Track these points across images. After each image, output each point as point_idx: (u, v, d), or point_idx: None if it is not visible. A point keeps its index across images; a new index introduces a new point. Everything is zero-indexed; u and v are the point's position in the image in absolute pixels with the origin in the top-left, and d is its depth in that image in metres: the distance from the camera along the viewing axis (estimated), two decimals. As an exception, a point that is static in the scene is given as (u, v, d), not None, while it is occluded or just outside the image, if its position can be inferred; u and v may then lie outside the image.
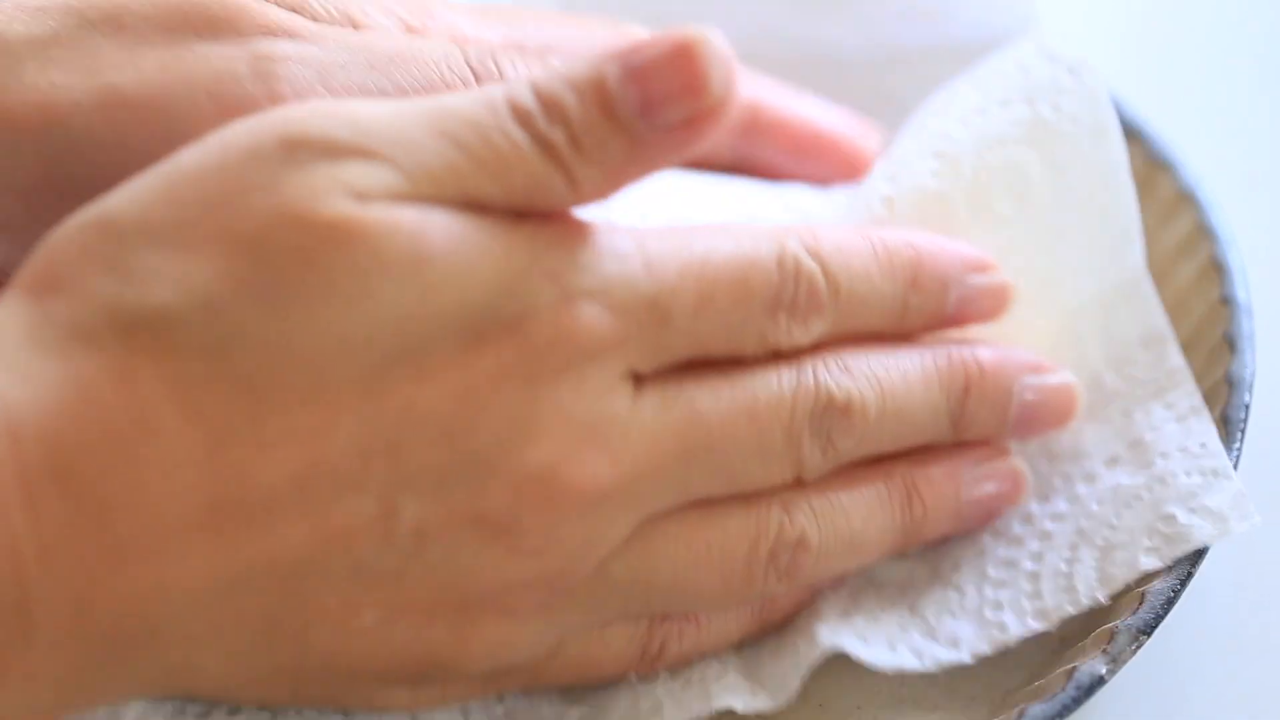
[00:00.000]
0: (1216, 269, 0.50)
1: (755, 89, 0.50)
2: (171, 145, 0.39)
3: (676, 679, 0.44)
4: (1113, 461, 0.47)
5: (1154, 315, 0.49)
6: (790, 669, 0.44)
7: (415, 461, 0.37)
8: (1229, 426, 0.46)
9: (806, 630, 0.44)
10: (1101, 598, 0.44)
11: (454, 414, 0.37)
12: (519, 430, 0.37)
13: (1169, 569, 0.43)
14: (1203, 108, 0.63)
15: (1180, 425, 0.47)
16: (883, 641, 0.44)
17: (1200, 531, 0.44)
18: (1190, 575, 0.43)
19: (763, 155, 0.51)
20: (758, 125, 0.50)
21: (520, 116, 0.38)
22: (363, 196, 0.37)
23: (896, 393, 0.43)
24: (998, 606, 0.44)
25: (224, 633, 0.37)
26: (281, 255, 0.36)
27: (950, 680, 0.44)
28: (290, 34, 0.42)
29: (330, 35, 0.43)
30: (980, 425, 0.45)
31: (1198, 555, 0.43)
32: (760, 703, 0.43)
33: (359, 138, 0.37)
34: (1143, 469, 0.46)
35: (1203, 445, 0.46)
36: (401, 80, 0.43)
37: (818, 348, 0.42)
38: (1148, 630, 0.42)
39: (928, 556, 0.46)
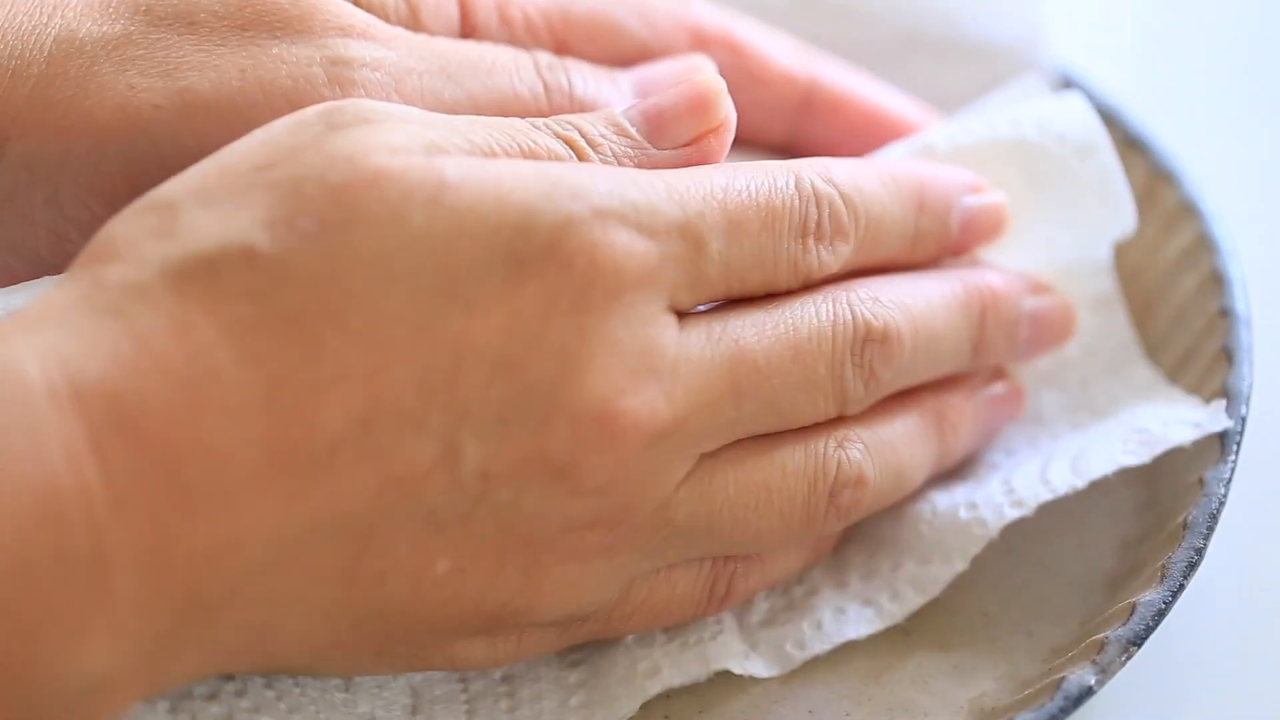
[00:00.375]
0: (1217, 280, 0.50)
1: (813, 67, 0.50)
2: None
3: (674, 640, 0.44)
4: (1076, 426, 0.48)
5: (1104, 277, 0.50)
6: (793, 647, 0.45)
7: (473, 398, 0.37)
8: (1225, 440, 0.46)
9: (809, 611, 0.45)
10: (1079, 483, 0.45)
11: (506, 346, 0.37)
12: (572, 362, 0.38)
13: (1160, 581, 0.43)
14: (1206, 119, 0.63)
15: (1143, 394, 0.48)
16: (885, 596, 0.45)
17: (1176, 433, 0.45)
18: (1182, 587, 0.43)
19: (818, 134, 0.50)
20: (813, 103, 0.50)
21: (545, 123, 0.41)
22: (395, 150, 0.38)
23: (925, 319, 0.44)
24: (972, 506, 0.45)
25: (302, 588, 0.37)
26: (319, 199, 0.37)
27: (940, 687, 0.45)
28: (362, 34, 0.43)
29: (402, 38, 0.44)
30: (996, 349, 0.46)
31: (1190, 568, 0.43)
32: (755, 667, 0.44)
33: (396, 110, 0.39)
34: (1110, 419, 0.47)
35: (1168, 398, 0.47)
36: (474, 89, 0.44)
37: (845, 277, 0.43)
38: (1138, 641, 0.42)
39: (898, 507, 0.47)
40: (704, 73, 0.44)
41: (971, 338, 0.45)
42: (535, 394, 0.38)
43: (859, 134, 0.50)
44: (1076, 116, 0.48)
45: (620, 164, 0.41)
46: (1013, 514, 0.45)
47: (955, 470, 0.47)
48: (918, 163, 0.46)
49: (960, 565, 0.45)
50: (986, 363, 0.46)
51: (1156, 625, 0.42)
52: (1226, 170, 0.58)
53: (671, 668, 0.44)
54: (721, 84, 0.43)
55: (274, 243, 0.36)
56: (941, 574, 0.45)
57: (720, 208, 0.40)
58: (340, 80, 0.42)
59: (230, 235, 0.37)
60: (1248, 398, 0.47)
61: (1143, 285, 0.52)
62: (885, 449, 0.44)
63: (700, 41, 0.47)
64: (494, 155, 0.39)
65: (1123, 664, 0.42)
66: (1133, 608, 0.43)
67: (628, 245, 0.38)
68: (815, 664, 0.45)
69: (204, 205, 0.37)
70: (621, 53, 0.45)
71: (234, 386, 0.36)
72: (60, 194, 0.42)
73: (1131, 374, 0.49)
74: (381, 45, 0.43)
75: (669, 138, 0.42)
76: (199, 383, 0.35)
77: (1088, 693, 0.41)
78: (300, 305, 0.36)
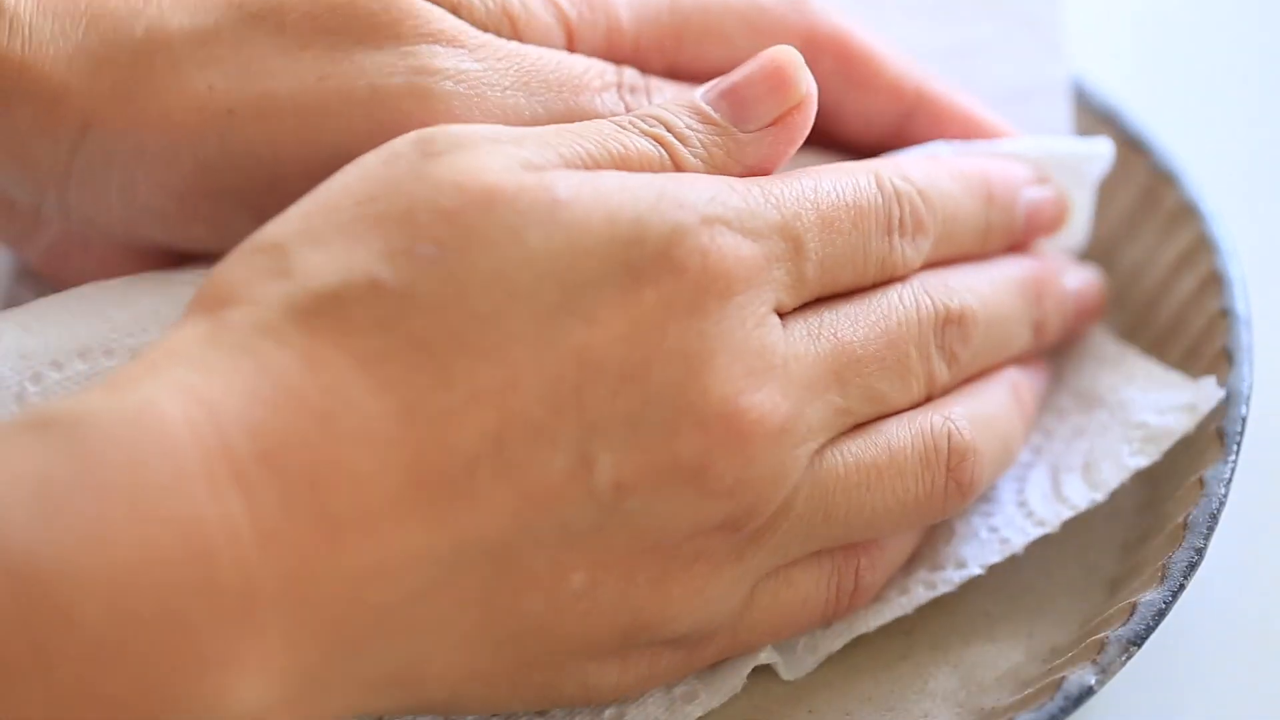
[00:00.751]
0: (1217, 281, 0.50)
1: (920, 78, 0.49)
2: (323, 157, 0.42)
3: None
4: (1060, 412, 0.48)
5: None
6: (805, 650, 0.45)
7: (601, 408, 0.37)
8: (1225, 440, 0.46)
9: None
10: (1099, 496, 0.45)
11: (628, 355, 0.38)
12: (693, 365, 0.38)
13: (1160, 581, 0.43)
14: (1206, 119, 0.63)
15: (1117, 367, 0.49)
16: (894, 590, 0.45)
17: (1177, 424, 0.46)
18: (1182, 587, 0.43)
19: (926, 137, 0.50)
20: (917, 115, 0.50)
21: (630, 122, 0.42)
22: (500, 171, 0.38)
23: (993, 301, 0.45)
24: (993, 530, 0.46)
25: (445, 615, 0.37)
26: (434, 225, 0.37)
27: (940, 687, 0.45)
28: (452, 41, 0.43)
29: (491, 47, 0.44)
30: (1052, 327, 0.48)
31: (1190, 568, 0.43)
32: (776, 659, 0.45)
33: (485, 131, 0.40)
34: (1098, 406, 0.48)
35: (1146, 373, 0.48)
36: (555, 106, 0.44)
37: (919, 269, 0.44)
38: (1138, 641, 0.42)
39: None
40: (779, 49, 0.43)
41: (1032, 317, 0.47)
42: (661, 400, 0.38)
43: (969, 139, 0.50)
44: (1084, 149, 0.49)
45: (710, 153, 0.42)
46: (1037, 532, 0.45)
47: None
48: (984, 158, 0.47)
49: (976, 569, 0.46)
50: (1045, 342, 0.48)
51: (1157, 625, 0.42)
52: (1226, 171, 0.58)
53: (708, 691, 0.44)
54: (797, 57, 0.43)
55: (396, 272, 0.37)
56: (955, 576, 0.46)
57: (814, 209, 0.41)
58: (419, 92, 0.42)
59: (353, 269, 0.37)
60: (1248, 398, 0.47)
61: (1143, 285, 0.52)
62: (988, 418, 0.45)
63: (812, 46, 0.47)
64: (591, 166, 0.40)
65: (1123, 664, 0.42)
66: (1133, 608, 0.43)
67: (735, 248, 0.39)
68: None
69: (315, 244, 0.38)
70: (733, 63, 0.45)
71: (370, 415, 0.36)
72: (135, 184, 0.43)
73: (1093, 345, 0.50)
74: (468, 55, 0.43)
75: (753, 118, 0.42)
76: (335, 414, 0.36)
77: (1088, 693, 0.41)
78: (427, 331, 0.37)
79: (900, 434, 0.43)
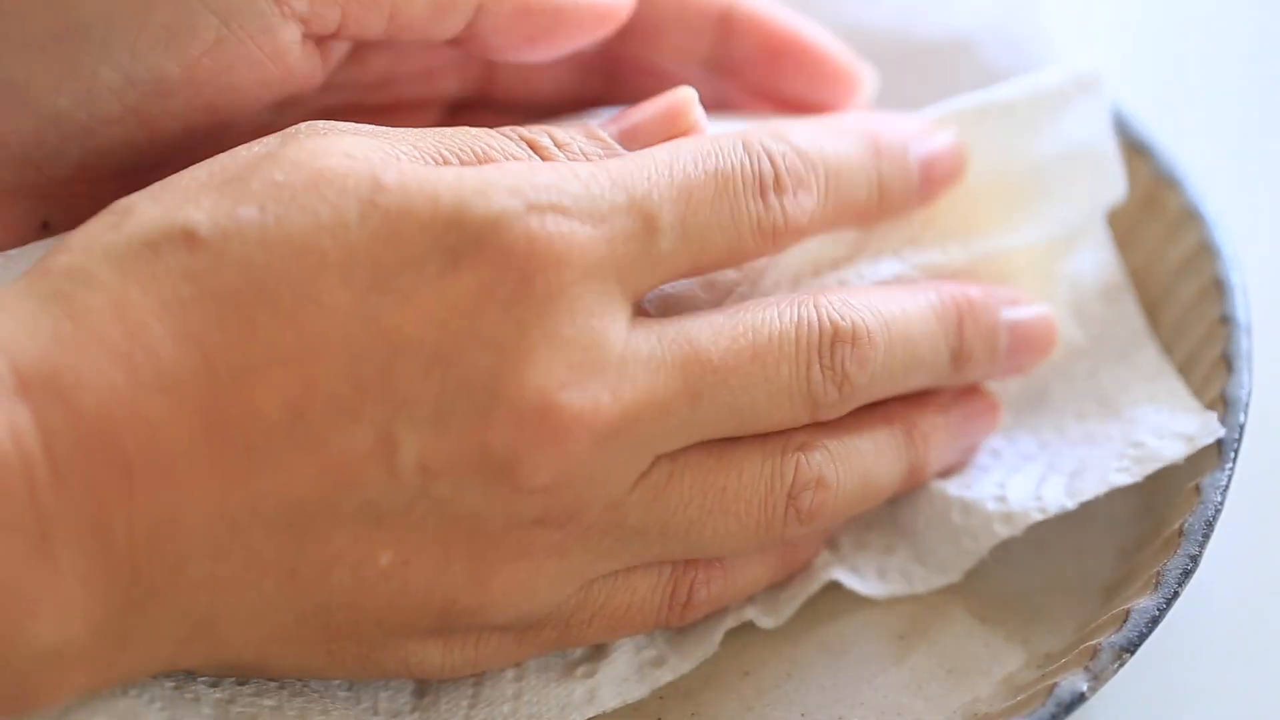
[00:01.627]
0: (1218, 287, 0.50)
1: None
2: None
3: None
4: (1081, 416, 0.48)
5: (1112, 266, 0.50)
6: (785, 600, 0.45)
7: (409, 389, 0.37)
8: (1222, 447, 0.46)
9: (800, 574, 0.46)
10: (1070, 504, 0.45)
11: (442, 339, 0.37)
12: (510, 355, 0.38)
13: (1155, 588, 0.43)
14: (1208, 125, 0.63)
15: (1147, 384, 0.48)
16: (873, 571, 0.46)
17: (1170, 450, 0.45)
18: (1177, 595, 0.43)
19: (736, 57, 0.50)
20: (731, 23, 0.50)
21: (512, 130, 0.42)
22: (344, 155, 0.39)
23: (899, 322, 0.44)
24: (965, 510, 0.46)
25: (243, 575, 0.37)
26: (262, 191, 0.38)
27: (933, 692, 0.45)
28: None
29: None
30: (977, 360, 0.46)
31: (1185, 575, 0.43)
32: (753, 614, 0.45)
33: (348, 126, 0.40)
34: (1112, 418, 0.47)
35: (1170, 392, 0.47)
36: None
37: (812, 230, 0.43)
38: (1131, 648, 0.42)
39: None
40: (680, 91, 0.44)
41: (950, 345, 0.45)
42: (473, 387, 0.38)
43: (781, 58, 0.50)
44: (1074, 81, 0.48)
45: (586, 157, 0.42)
46: (1003, 531, 0.45)
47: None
48: (866, 113, 0.46)
49: (954, 577, 0.46)
50: (968, 375, 0.46)
51: (1150, 632, 0.42)
52: (1228, 176, 0.57)
53: (677, 655, 0.44)
54: (693, 94, 0.44)
55: (213, 227, 0.37)
56: (933, 580, 0.46)
57: (668, 182, 0.41)
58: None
59: (173, 219, 0.37)
60: (1246, 405, 0.47)
61: (1144, 291, 0.52)
62: (850, 454, 0.43)
63: None
64: (444, 162, 0.40)
65: (1115, 671, 0.42)
66: (1127, 614, 0.43)
67: (568, 234, 0.39)
68: (809, 666, 0.45)
69: (155, 201, 0.38)
70: None
71: (172, 364, 0.36)
72: None
73: (1140, 360, 0.49)
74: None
75: (640, 141, 0.43)
76: (137, 359, 0.36)
77: (1080, 699, 0.41)
78: (235, 287, 0.37)
79: (752, 459, 0.42)
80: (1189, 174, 0.53)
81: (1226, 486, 0.45)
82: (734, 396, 0.41)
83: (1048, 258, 0.49)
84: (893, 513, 0.47)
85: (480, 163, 0.40)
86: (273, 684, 0.42)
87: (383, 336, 0.37)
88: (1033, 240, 0.48)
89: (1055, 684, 0.42)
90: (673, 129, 0.43)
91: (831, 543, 0.47)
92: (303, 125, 0.40)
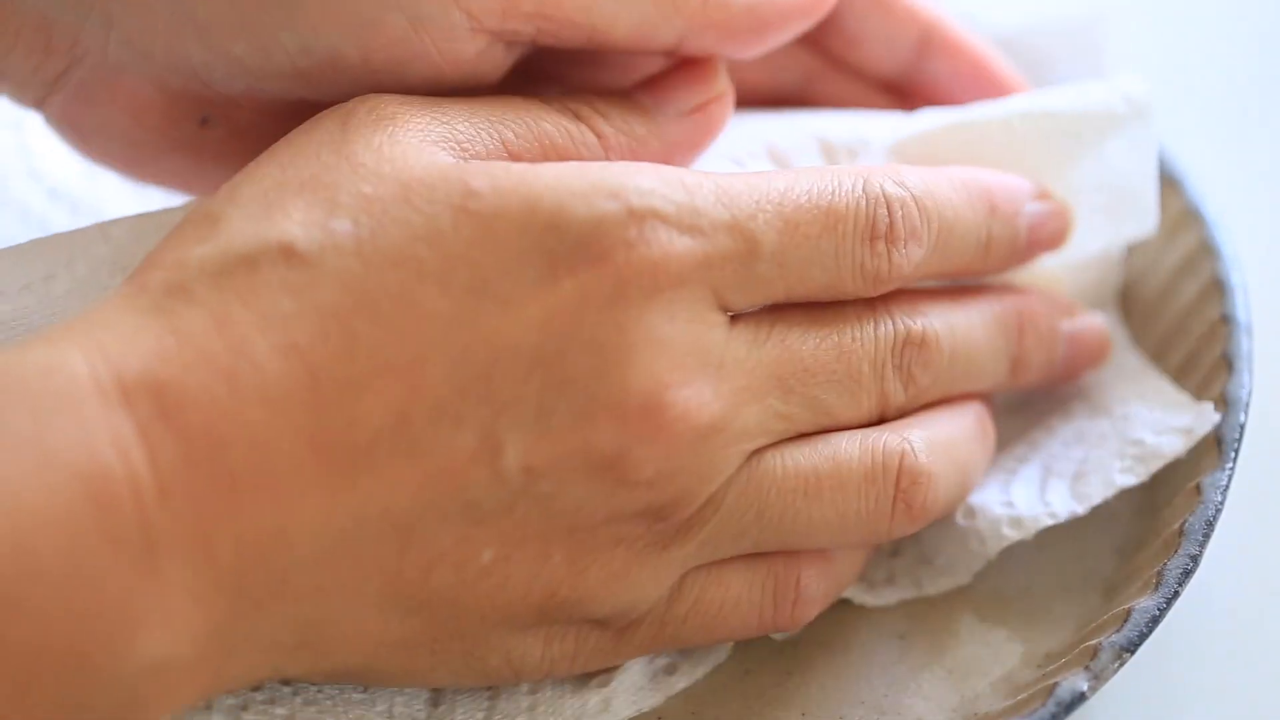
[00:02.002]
0: (1218, 287, 0.50)
1: (937, 10, 0.51)
2: None
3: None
4: (1068, 414, 0.48)
5: (1097, 270, 0.50)
6: None
7: (511, 392, 0.38)
8: (1223, 446, 0.46)
9: None
10: (1080, 509, 0.45)
11: (543, 342, 0.38)
12: (610, 356, 0.38)
13: (1155, 587, 0.43)
14: (1208, 125, 0.63)
15: (1133, 383, 0.48)
16: (881, 578, 0.46)
17: (1169, 446, 0.45)
18: (1177, 594, 0.43)
19: (934, 73, 0.51)
20: (933, 42, 0.51)
21: (558, 102, 0.43)
22: (420, 151, 0.39)
23: (964, 330, 0.45)
24: (970, 514, 0.46)
25: (349, 582, 0.38)
26: (352, 204, 0.38)
27: (934, 691, 0.45)
28: None
29: None
30: (1033, 367, 0.47)
31: (1185, 575, 0.43)
32: None
33: (418, 109, 0.41)
34: (1102, 415, 0.48)
35: (1157, 389, 0.48)
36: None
37: (916, 294, 0.44)
38: (1131, 648, 0.42)
39: None
40: (701, 58, 0.45)
41: (1010, 353, 0.46)
42: (575, 387, 0.38)
43: (968, 80, 0.51)
44: (1125, 101, 0.48)
45: (630, 127, 0.43)
46: (1012, 535, 0.45)
47: None
48: (983, 170, 0.46)
49: (962, 579, 0.46)
50: (1025, 380, 0.47)
51: (1150, 632, 0.42)
52: (1229, 177, 0.57)
53: (689, 663, 0.44)
54: (718, 61, 0.45)
55: (309, 241, 0.37)
56: (941, 583, 0.46)
57: (776, 210, 0.41)
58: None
59: (269, 233, 0.38)
60: (1247, 405, 0.47)
61: (1144, 291, 0.52)
62: (947, 444, 0.44)
63: None
64: (517, 147, 0.41)
65: (1115, 670, 0.42)
66: (1127, 614, 0.43)
67: (666, 243, 0.39)
68: (810, 666, 0.45)
69: (239, 210, 0.38)
70: None
71: (275, 378, 0.36)
72: None
73: (1121, 361, 0.49)
74: None
75: (673, 104, 0.44)
76: (240, 373, 0.36)
77: (1080, 699, 0.41)
78: (337, 301, 0.37)
79: (848, 448, 0.43)
80: (1189, 174, 0.53)
81: (1226, 486, 0.45)
82: (822, 392, 0.42)
83: (1059, 280, 0.49)
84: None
85: (542, 148, 0.41)
86: (286, 689, 0.42)
87: (484, 342, 0.37)
88: (1055, 262, 0.48)
89: (1055, 684, 0.42)
90: (703, 92, 0.44)
91: None
92: (358, 106, 0.40)
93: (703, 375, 0.39)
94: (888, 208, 0.43)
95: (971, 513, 0.46)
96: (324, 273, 0.37)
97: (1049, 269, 0.49)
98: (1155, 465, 0.45)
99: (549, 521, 0.39)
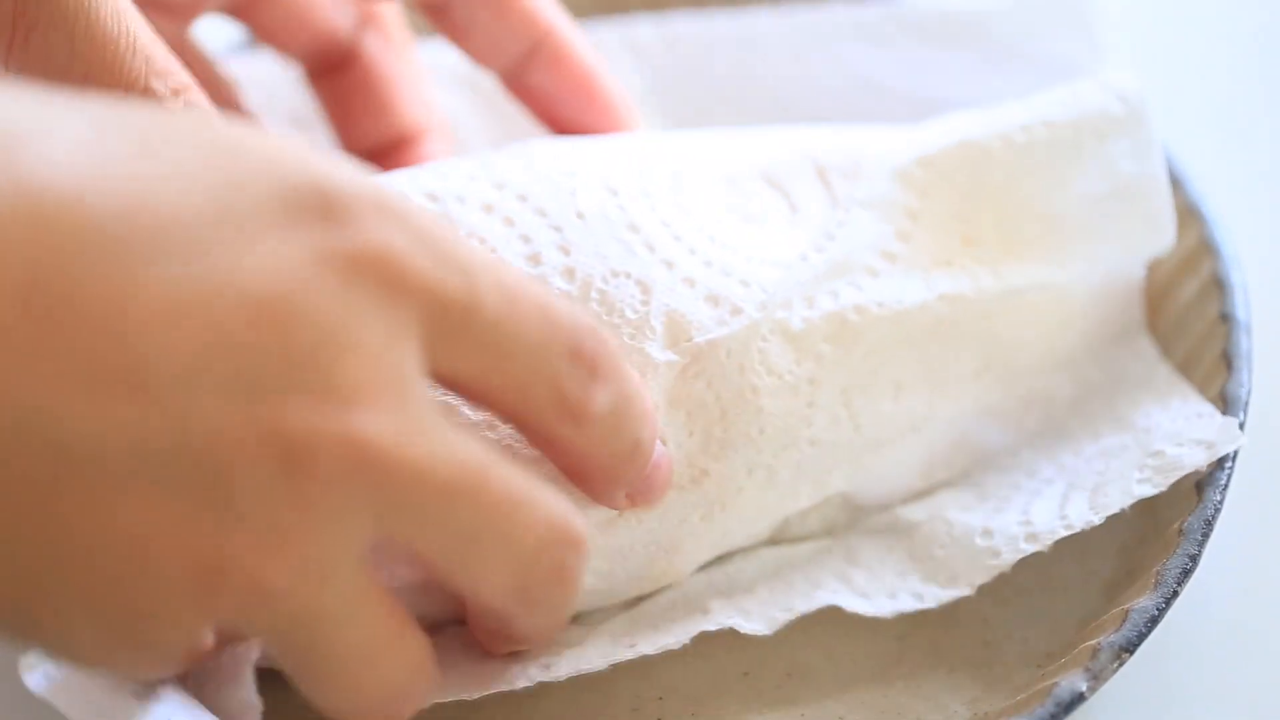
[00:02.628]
0: (1218, 286, 0.50)
1: (558, 22, 0.50)
2: None
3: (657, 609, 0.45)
4: (1097, 436, 0.48)
5: (1135, 309, 0.50)
6: (781, 613, 0.45)
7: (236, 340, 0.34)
8: (1222, 446, 0.46)
9: (802, 588, 0.45)
10: (1096, 519, 0.44)
11: (274, 287, 0.34)
12: (333, 336, 0.34)
13: (1154, 587, 0.43)
14: (1208, 123, 0.63)
15: (1160, 398, 0.48)
16: (883, 592, 0.45)
17: (1190, 458, 0.45)
18: (1176, 594, 0.43)
19: (540, 83, 0.50)
20: (543, 52, 0.50)
21: None
22: None
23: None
24: (988, 534, 0.45)
25: None
26: None
27: (932, 692, 0.45)
28: None
29: None
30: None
31: (1184, 574, 0.43)
32: (740, 621, 0.44)
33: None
34: (1127, 430, 0.47)
35: (1184, 400, 0.47)
36: None
37: None
38: (1130, 648, 0.42)
39: (915, 514, 0.47)
40: None
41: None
42: (296, 356, 0.35)
43: (570, 95, 0.50)
44: (1119, 100, 0.48)
45: None
46: (1028, 548, 0.45)
47: (975, 490, 0.47)
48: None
49: (966, 590, 0.45)
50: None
51: (1149, 632, 0.42)
52: (1229, 175, 0.57)
53: (644, 641, 0.44)
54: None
55: None
56: (944, 595, 0.45)
57: (496, 281, 0.38)
58: None
59: None
60: (1246, 404, 0.47)
61: (1145, 290, 0.52)
62: None
63: None
64: None
65: (1114, 670, 0.42)
66: (1126, 614, 0.43)
67: (403, 244, 0.36)
68: (808, 667, 0.45)
69: None
70: None
71: None
72: None
73: (1155, 380, 0.49)
74: None
75: None
76: None
77: (1079, 699, 0.41)
78: None
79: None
80: (1189, 174, 0.53)
81: (1226, 486, 0.45)
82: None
83: (1075, 296, 0.49)
84: (911, 547, 0.46)
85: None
86: None
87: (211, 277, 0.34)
88: (1067, 279, 0.48)
89: (1055, 684, 0.42)
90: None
91: (843, 574, 0.46)
92: None
93: (395, 410, 0.35)
94: (594, 338, 0.39)
95: (990, 533, 0.45)
96: None
97: (1068, 292, 0.48)
98: (1174, 476, 0.45)
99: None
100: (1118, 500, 0.45)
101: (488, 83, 0.55)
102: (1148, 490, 0.45)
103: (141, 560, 0.34)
